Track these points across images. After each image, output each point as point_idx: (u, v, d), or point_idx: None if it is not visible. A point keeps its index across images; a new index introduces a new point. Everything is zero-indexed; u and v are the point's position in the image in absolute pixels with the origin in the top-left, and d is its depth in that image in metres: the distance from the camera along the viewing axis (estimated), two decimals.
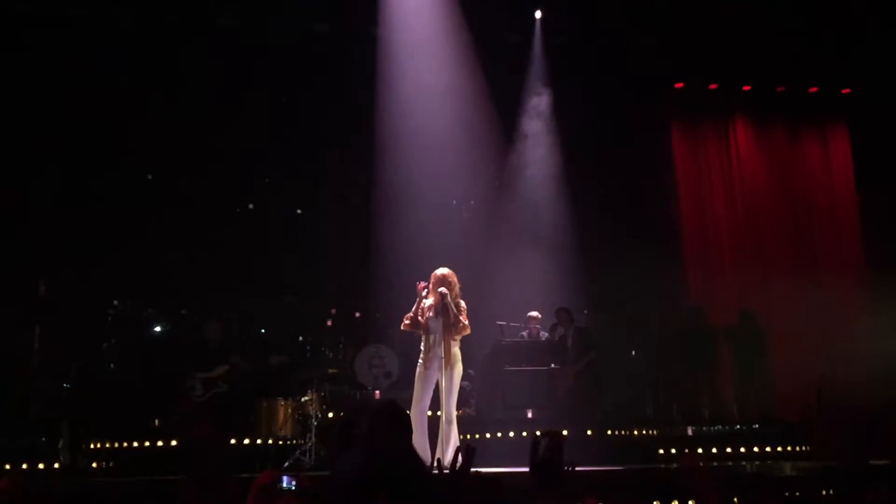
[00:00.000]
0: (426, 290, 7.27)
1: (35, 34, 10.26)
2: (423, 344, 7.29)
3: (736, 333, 10.77)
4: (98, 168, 10.51)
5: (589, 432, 9.25)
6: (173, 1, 10.63)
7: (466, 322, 7.21)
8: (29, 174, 10.22)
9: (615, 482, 6.75)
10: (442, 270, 7.29)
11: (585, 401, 9.44)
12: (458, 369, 7.26)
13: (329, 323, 10.66)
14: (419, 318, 7.24)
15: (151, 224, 10.70)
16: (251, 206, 11.88)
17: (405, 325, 7.34)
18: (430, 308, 7.22)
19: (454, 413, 7.21)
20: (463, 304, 7.27)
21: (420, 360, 7.27)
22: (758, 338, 10.62)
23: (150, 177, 10.76)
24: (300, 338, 10.94)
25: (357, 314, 11.23)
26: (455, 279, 7.28)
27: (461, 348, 7.35)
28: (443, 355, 7.09)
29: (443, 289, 7.16)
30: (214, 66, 10.70)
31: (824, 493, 6.58)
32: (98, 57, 10.31)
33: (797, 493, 6.60)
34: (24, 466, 8.00)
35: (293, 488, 3.94)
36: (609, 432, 9.39)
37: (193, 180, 11.20)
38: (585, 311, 10.87)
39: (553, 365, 9.72)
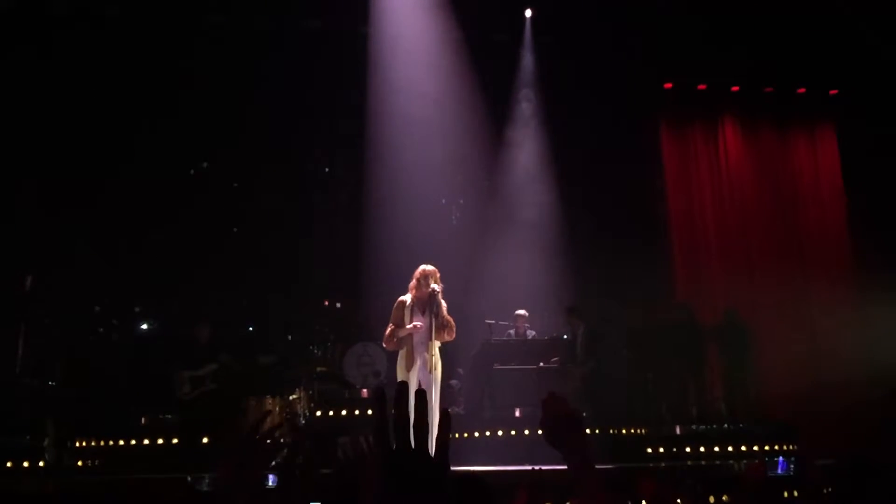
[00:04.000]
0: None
1: (23, 32, 10.23)
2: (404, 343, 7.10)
3: (723, 331, 10.80)
4: (86, 165, 10.45)
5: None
6: None
7: (454, 324, 7.09)
8: (17, 171, 10.15)
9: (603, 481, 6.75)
10: (430, 266, 7.09)
11: (591, 403, 9.42)
12: (440, 368, 7.11)
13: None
14: (401, 322, 7.00)
15: (139, 222, 10.67)
16: (241, 204, 11.81)
17: (387, 342, 7.08)
18: (412, 303, 7.03)
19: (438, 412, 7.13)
20: (444, 304, 7.08)
21: (401, 360, 7.03)
22: (745, 336, 10.64)
23: (138, 174, 10.66)
24: (289, 336, 10.92)
25: (337, 304, 11.18)
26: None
27: (443, 350, 7.22)
28: (430, 353, 6.96)
29: (435, 285, 7.02)
30: (203, 63, 10.65)
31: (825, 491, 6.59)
32: (85, 54, 10.26)
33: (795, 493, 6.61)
34: (9, 465, 7.95)
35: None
36: (597, 431, 9.40)
37: (182, 178, 11.17)
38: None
39: (549, 364, 9.71)
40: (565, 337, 10.12)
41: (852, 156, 13.04)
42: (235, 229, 11.65)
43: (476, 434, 9.17)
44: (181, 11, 10.81)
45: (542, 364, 9.69)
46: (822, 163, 13.39)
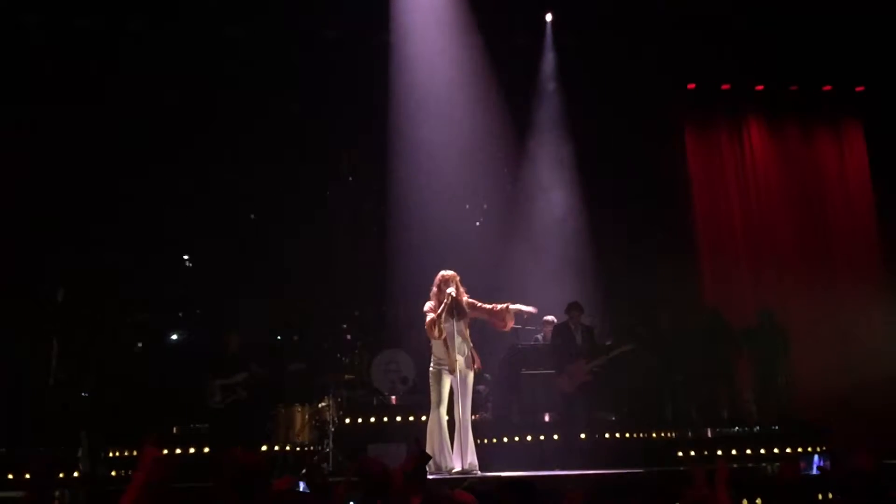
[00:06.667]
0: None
1: (41, 44, 10.41)
2: (434, 347, 7.21)
3: (757, 333, 10.68)
4: (112, 175, 10.55)
5: (606, 435, 9.22)
6: (181, 9, 10.68)
7: (484, 305, 7.15)
8: (45, 181, 10.28)
9: (634, 485, 6.71)
10: (448, 272, 7.22)
11: (595, 398, 9.29)
12: (472, 373, 7.21)
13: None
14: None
15: (168, 230, 10.80)
16: (266, 212, 11.90)
17: (429, 322, 7.10)
18: (440, 311, 7.09)
19: (469, 417, 7.17)
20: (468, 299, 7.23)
21: (433, 364, 7.21)
22: (780, 337, 10.52)
23: (166, 183, 10.78)
24: (316, 344, 10.97)
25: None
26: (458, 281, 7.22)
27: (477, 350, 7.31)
28: (465, 353, 7.06)
29: (451, 289, 7.09)
30: (225, 73, 10.75)
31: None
32: (109, 65, 10.43)
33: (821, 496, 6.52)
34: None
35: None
36: (627, 435, 9.35)
37: (209, 187, 11.27)
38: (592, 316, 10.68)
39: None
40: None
41: (880, 153, 12.89)
42: (261, 237, 11.72)
43: (504, 440, 9.17)
44: (200, 23, 10.89)
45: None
46: (850, 161, 13.24)
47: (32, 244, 10.03)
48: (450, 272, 7.21)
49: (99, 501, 6.69)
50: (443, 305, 7.06)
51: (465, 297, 7.19)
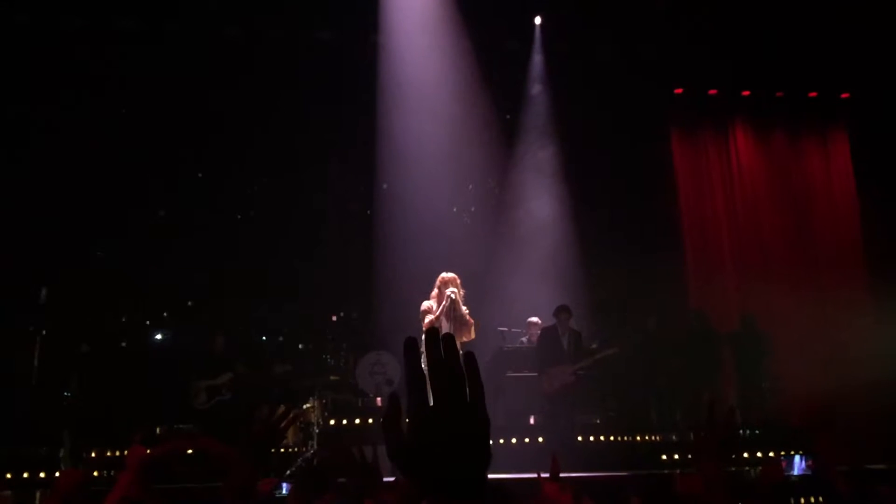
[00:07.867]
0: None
1: (40, 44, 10.37)
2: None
3: (739, 337, 10.73)
4: (99, 174, 10.50)
5: (591, 438, 9.24)
6: (176, 9, 10.64)
7: (472, 323, 7.10)
8: (30, 177, 10.23)
9: (617, 488, 6.72)
10: (449, 273, 7.22)
11: (578, 401, 9.29)
12: None
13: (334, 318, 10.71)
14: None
15: (153, 231, 10.75)
16: (253, 213, 11.87)
17: (428, 323, 7.01)
18: (438, 312, 7.11)
19: None
20: (466, 309, 7.21)
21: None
22: (760, 342, 10.57)
23: (152, 184, 10.74)
24: (301, 346, 10.96)
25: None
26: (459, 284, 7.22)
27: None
28: None
29: (449, 292, 7.09)
30: (216, 73, 10.73)
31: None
32: (106, 65, 10.39)
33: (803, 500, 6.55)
34: (26, 475, 7.99)
35: None
36: (612, 438, 9.37)
37: (195, 187, 11.22)
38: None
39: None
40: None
41: (865, 159, 12.99)
42: (248, 238, 11.70)
43: (489, 442, 9.14)
44: (195, 23, 10.87)
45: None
46: (835, 167, 13.35)
47: (30, 244, 9.97)
48: (451, 274, 7.22)
49: (82, 501, 6.64)
50: (441, 307, 7.05)
51: (462, 308, 7.14)
